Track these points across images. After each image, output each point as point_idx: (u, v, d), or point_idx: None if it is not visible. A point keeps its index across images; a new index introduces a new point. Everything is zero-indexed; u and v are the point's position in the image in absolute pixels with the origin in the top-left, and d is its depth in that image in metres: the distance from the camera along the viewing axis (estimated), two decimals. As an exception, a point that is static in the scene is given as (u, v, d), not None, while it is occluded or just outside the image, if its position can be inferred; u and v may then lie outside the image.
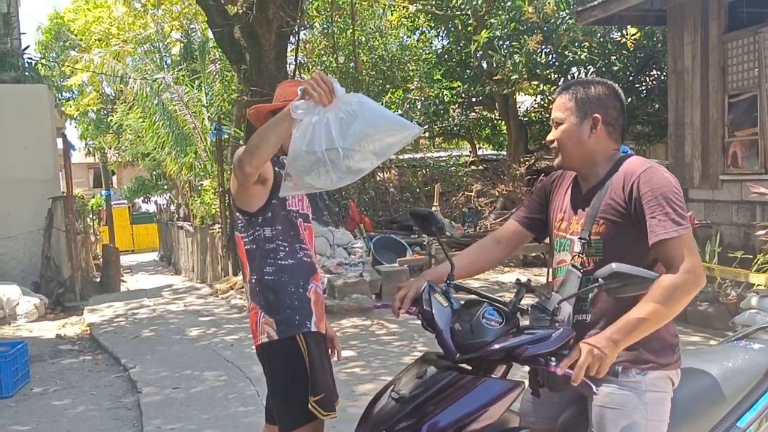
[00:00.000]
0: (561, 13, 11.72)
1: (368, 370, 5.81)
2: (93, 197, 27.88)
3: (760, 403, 2.43)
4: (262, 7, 9.13)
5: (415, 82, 13.22)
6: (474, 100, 16.16)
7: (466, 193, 13.88)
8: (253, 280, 2.88)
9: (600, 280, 1.96)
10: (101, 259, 16.13)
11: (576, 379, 1.94)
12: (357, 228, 10.93)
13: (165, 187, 24.72)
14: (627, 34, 12.20)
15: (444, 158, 15.50)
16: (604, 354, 1.96)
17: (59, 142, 11.91)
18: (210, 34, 13.87)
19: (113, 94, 24.00)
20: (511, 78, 12.28)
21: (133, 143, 22.00)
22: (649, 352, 2.14)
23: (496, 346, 2.01)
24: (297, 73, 12.29)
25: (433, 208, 9.22)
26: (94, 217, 24.83)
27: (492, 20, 12.24)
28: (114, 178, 34.89)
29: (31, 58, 13.65)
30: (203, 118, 15.84)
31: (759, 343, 2.61)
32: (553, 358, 1.95)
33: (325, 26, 13.94)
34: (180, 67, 18.09)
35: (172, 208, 24.57)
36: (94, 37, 22.30)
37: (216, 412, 4.92)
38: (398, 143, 2.32)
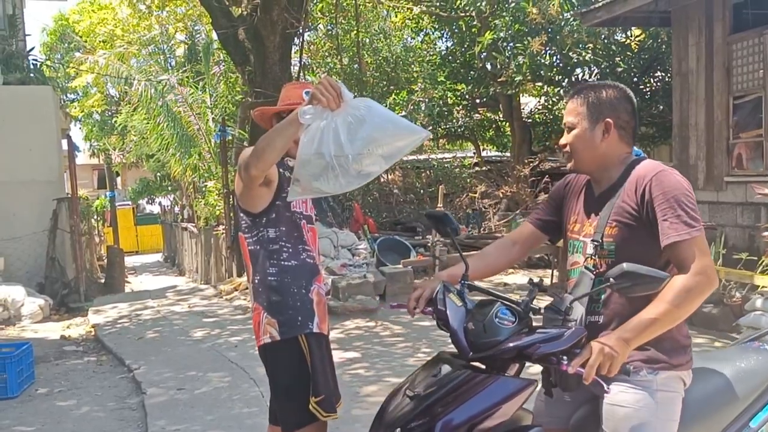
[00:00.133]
0: (565, 15, 11.71)
1: (372, 371, 5.81)
2: (97, 198, 27.97)
3: None
4: (266, 8, 9.14)
5: (419, 84, 13.22)
6: (478, 101, 16.16)
7: (470, 194, 13.87)
8: (256, 281, 2.90)
9: (611, 279, 1.98)
10: (106, 260, 16.16)
11: (587, 377, 1.95)
12: (361, 229, 10.93)
13: (169, 188, 24.75)
14: (631, 36, 12.20)
15: (448, 160, 15.50)
16: (615, 353, 1.98)
17: (64, 143, 11.94)
18: (214, 36, 13.90)
19: (118, 96, 24.03)
20: (515, 79, 12.28)
21: (138, 144, 22.04)
22: (661, 353, 2.16)
23: (509, 345, 2.03)
24: (301, 74, 12.30)
25: (437, 210, 9.20)
26: (99, 219, 24.88)
27: (496, 21, 12.23)
28: (118, 179, 34.92)
29: (36, 60, 13.68)
30: (207, 120, 15.86)
31: None
32: (564, 357, 1.97)
33: (330, 28, 13.96)
34: (184, 68, 18.12)
35: (177, 209, 24.62)
36: (99, 38, 22.34)
37: (220, 413, 4.93)
38: (406, 147, 2.34)
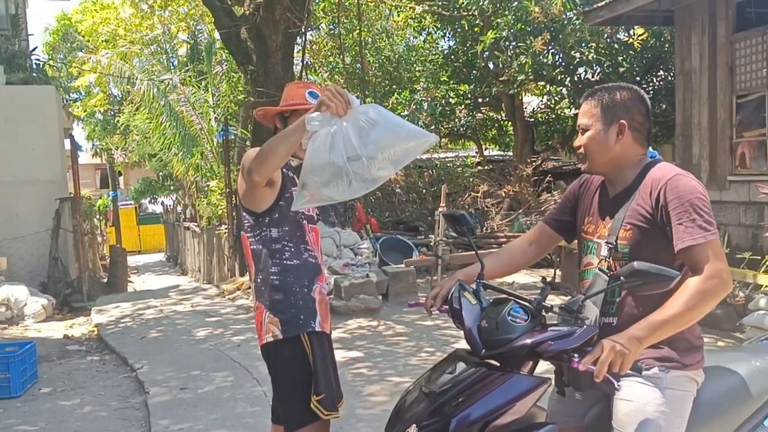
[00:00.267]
0: (568, 14, 11.69)
1: (375, 371, 5.81)
2: (100, 198, 28.01)
3: None
4: (268, 8, 9.14)
5: (422, 83, 13.22)
6: (480, 100, 16.14)
7: (472, 193, 13.86)
8: (259, 280, 2.90)
9: (621, 278, 2.00)
10: (108, 260, 16.18)
11: (598, 374, 1.97)
12: (363, 229, 10.93)
13: (172, 187, 24.79)
14: (634, 35, 12.17)
15: (450, 159, 15.50)
16: (626, 350, 1.99)
17: (67, 143, 11.95)
18: (217, 35, 13.89)
19: (120, 95, 24.07)
20: (518, 78, 12.27)
21: (140, 144, 22.09)
22: (674, 352, 2.18)
23: (520, 342, 2.06)
24: (304, 74, 12.30)
25: (440, 209, 9.20)
26: (101, 218, 24.90)
27: (498, 21, 12.22)
28: (121, 178, 34.95)
29: (38, 60, 13.68)
30: (210, 119, 15.88)
31: None
32: (576, 355, 1.99)
33: (332, 27, 13.95)
34: (187, 68, 18.14)
35: (179, 208, 24.65)
36: (101, 38, 22.37)
37: (223, 412, 4.93)
38: (415, 151, 2.37)
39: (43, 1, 32.36)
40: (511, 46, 12.67)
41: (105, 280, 13.82)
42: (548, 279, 2.29)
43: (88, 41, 23.91)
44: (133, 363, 6.51)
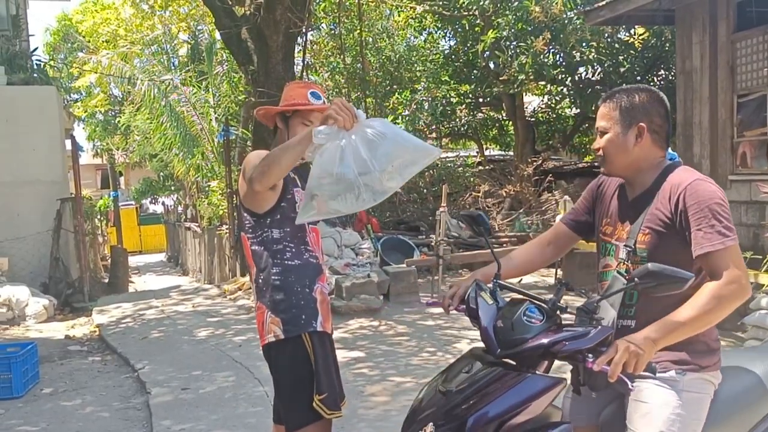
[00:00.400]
0: (568, 13, 11.69)
1: (377, 371, 5.81)
2: (101, 198, 27.99)
3: None
4: (269, 8, 9.14)
5: (423, 83, 13.22)
6: (481, 100, 16.14)
7: (473, 193, 13.86)
8: (260, 281, 2.90)
9: (636, 279, 2.01)
10: (109, 260, 16.18)
11: (612, 375, 1.97)
12: (364, 229, 10.93)
13: (172, 188, 24.81)
14: (635, 34, 12.17)
15: (451, 159, 15.49)
16: (641, 350, 2.00)
17: (68, 143, 11.95)
18: (217, 36, 13.88)
19: (121, 96, 24.09)
20: (518, 78, 12.26)
21: (141, 144, 22.09)
22: (692, 354, 2.19)
23: (536, 343, 2.08)
24: (305, 74, 12.30)
25: (441, 209, 9.19)
26: (102, 218, 24.90)
27: (499, 20, 12.22)
28: (122, 179, 34.94)
29: (39, 60, 13.70)
30: (210, 120, 15.88)
31: None
32: (590, 355, 2.01)
33: (333, 27, 13.95)
34: (187, 68, 18.14)
35: (180, 209, 24.64)
36: (102, 38, 22.38)
37: (225, 412, 4.93)
38: (420, 164, 2.42)
39: (43, 2, 32.37)
40: (511, 46, 12.67)
41: (106, 281, 13.83)
42: (562, 280, 2.32)
43: (89, 42, 23.92)
44: (135, 363, 6.51)
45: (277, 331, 2.84)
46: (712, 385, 2.24)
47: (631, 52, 13.07)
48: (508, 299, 2.29)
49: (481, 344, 2.25)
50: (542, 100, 16.83)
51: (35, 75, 12.04)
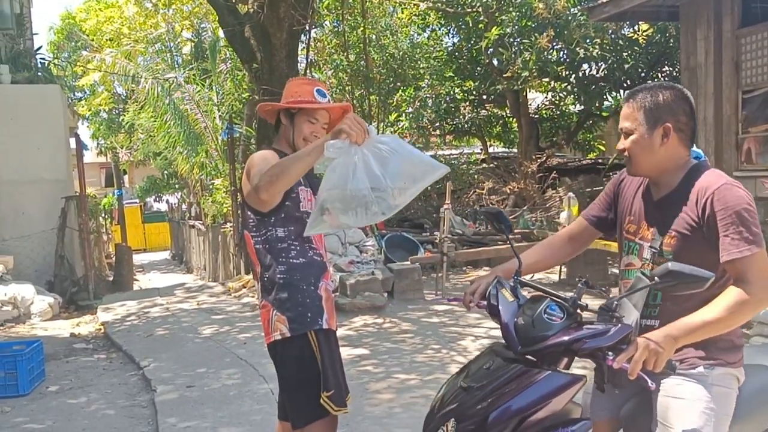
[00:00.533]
0: (572, 10, 11.66)
1: (381, 368, 5.81)
2: (105, 196, 28.05)
3: None
4: (273, 5, 9.14)
5: (426, 80, 13.19)
6: (485, 97, 16.11)
7: (477, 190, 13.85)
8: (265, 279, 2.91)
9: (656, 278, 2.02)
10: (114, 258, 16.21)
11: (632, 372, 1.99)
12: (368, 226, 10.93)
13: (176, 186, 24.82)
14: (639, 30, 12.13)
15: (455, 156, 15.47)
16: (660, 349, 2.01)
17: (72, 141, 11.97)
18: (221, 33, 13.91)
19: (125, 94, 24.12)
20: (522, 75, 12.24)
21: (145, 142, 22.11)
22: (717, 351, 2.20)
23: (556, 340, 2.11)
24: (308, 71, 12.29)
25: (445, 206, 9.19)
26: (107, 217, 24.96)
27: (503, 17, 12.19)
28: (126, 177, 35.05)
29: (43, 59, 13.72)
30: (214, 117, 15.88)
31: None
32: (610, 353, 2.03)
33: (336, 24, 13.94)
34: (191, 66, 18.16)
35: (184, 207, 24.67)
36: (106, 36, 22.41)
37: (230, 410, 4.94)
38: (428, 180, 2.45)
39: (47, 0, 32.44)
40: (515, 43, 12.64)
41: (111, 279, 13.85)
42: (582, 278, 2.31)
43: (93, 40, 23.95)
44: (140, 361, 6.52)
45: (283, 329, 2.85)
46: (738, 381, 2.25)
47: (635, 48, 13.03)
48: (528, 297, 2.31)
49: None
50: (546, 97, 16.80)
51: (39, 73, 12.06)
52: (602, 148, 19.10)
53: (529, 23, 12.08)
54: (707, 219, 2.15)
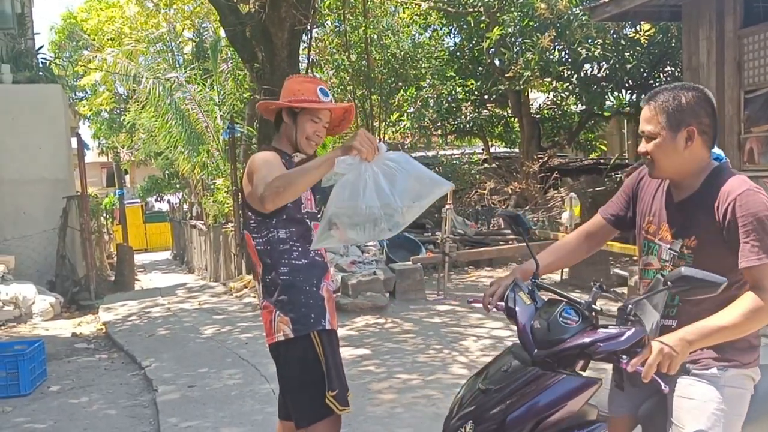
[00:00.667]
0: (574, 10, 11.65)
1: (383, 368, 5.81)
2: (106, 196, 28.06)
3: None
4: (274, 5, 9.13)
5: (428, 80, 13.17)
6: (486, 97, 16.09)
7: (479, 190, 13.84)
8: (267, 280, 2.91)
9: (669, 282, 2.04)
10: (115, 258, 16.22)
11: (646, 375, 2.01)
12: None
13: (178, 185, 24.81)
14: (641, 30, 12.12)
15: (457, 156, 15.46)
16: (675, 353, 2.03)
17: (73, 141, 11.97)
18: (222, 33, 13.89)
19: (126, 94, 24.10)
20: (524, 75, 12.23)
21: (146, 142, 22.10)
22: (733, 351, 2.20)
23: (570, 344, 2.15)
24: (310, 71, 12.28)
25: (447, 206, 9.17)
26: (108, 216, 24.97)
27: (504, 17, 12.18)
28: (127, 177, 35.07)
29: (45, 58, 13.70)
30: (216, 117, 15.87)
31: None
32: (624, 356, 2.06)
33: (337, 24, 13.93)
34: (192, 66, 18.14)
35: (185, 206, 24.68)
36: (107, 36, 22.40)
37: (232, 409, 4.94)
38: (433, 197, 2.51)
39: (48, 0, 32.45)
40: (517, 43, 12.63)
41: (112, 279, 13.86)
42: (597, 282, 2.33)
43: (94, 40, 23.95)
44: (141, 361, 6.52)
45: (286, 330, 2.85)
46: (753, 381, 2.26)
47: (637, 48, 13.01)
48: (545, 299, 2.34)
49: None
50: (548, 97, 16.78)
51: (41, 73, 12.05)
52: (604, 148, 19.09)
53: (531, 23, 12.07)
54: (728, 224, 2.15)
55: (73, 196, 11.28)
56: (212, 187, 16.52)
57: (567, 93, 15.40)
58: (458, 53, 15.45)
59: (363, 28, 12.77)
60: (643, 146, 2.29)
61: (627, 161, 15.87)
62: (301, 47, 11.33)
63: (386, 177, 2.36)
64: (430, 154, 15.02)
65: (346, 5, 12.84)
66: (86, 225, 11.10)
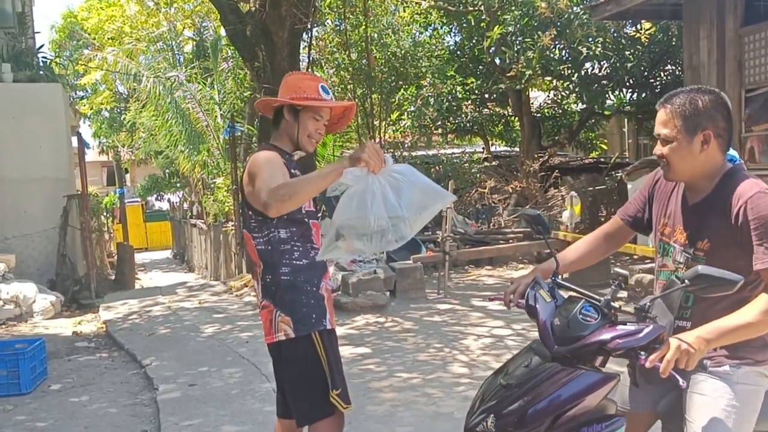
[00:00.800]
0: (574, 8, 11.64)
1: (383, 367, 5.81)
2: (107, 195, 28.08)
3: None
4: (274, 4, 9.13)
5: (428, 79, 13.17)
6: (487, 96, 16.09)
7: (479, 189, 13.83)
8: (268, 280, 2.90)
9: (686, 281, 2.07)
10: (116, 257, 16.22)
11: (663, 371, 2.04)
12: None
13: (178, 184, 24.83)
14: (641, 29, 12.11)
15: (457, 155, 15.45)
16: (692, 349, 2.05)
17: (74, 140, 11.96)
18: (222, 32, 13.90)
19: (126, 93, 24.12)
20: (525, 74, 12.22)
21: (147, 141, 22.12)
22: (747, 349, 2.23)
23: (590, 340, 2.20)
24: (310, 70, 12.28)
25: (447, 206, 9.17)
26: (108, 215, 24.98)
27: (505, 16, 12.17)
28: (127, 176, 35.07)
29: (45, 57, 13.71)
30: (216, 116, 15.88)
31: None
32: (643, 352, 2.11)
33: (338, 23, 13.93)
34: (193, 65, 18.14)
35: (186, 205, 24.69)
36: (107, 35, 22.38)
37: (232, 408, 4.94)
38: (437, 208, 2.61)
39: (49, -1, 32.44)
40: (517, 42, 12.62)
41: (112, 277, 13.86)
42: (616, 280, 2.40)
43: (94, 39, 23.94)
44: (142, 359, 6.52)
45: (287, 329, 2.85)
46: (766, 379, 2.28)
47: (638, 47, 13.01)
48: (565, 297, 2.39)
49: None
50: (548, 96, 16.77)
51: (41, 72, 12.05)
52: (604, 147, 19.09)
53: (532, 22, 12.06)
54: (741, 226, 2.17)
55: (73, 195, 11.27)
56: (212, 185, 16.53)
57: (567, 92, 15.39)
58: (459, 52, 15.44)
59: (363, 26, 12.77)
60: (659, 149, 2.31)
61: (627, 160, 15.86)
62: (302, 46, 11.33)
63: (393, 189, 2.41)
64: (431, 152, 15.02)
65: (346, 4, 12.85)
66: (87, 224, 11.10)
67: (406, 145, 13.76)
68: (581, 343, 2.19)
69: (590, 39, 11.91)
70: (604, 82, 14.05)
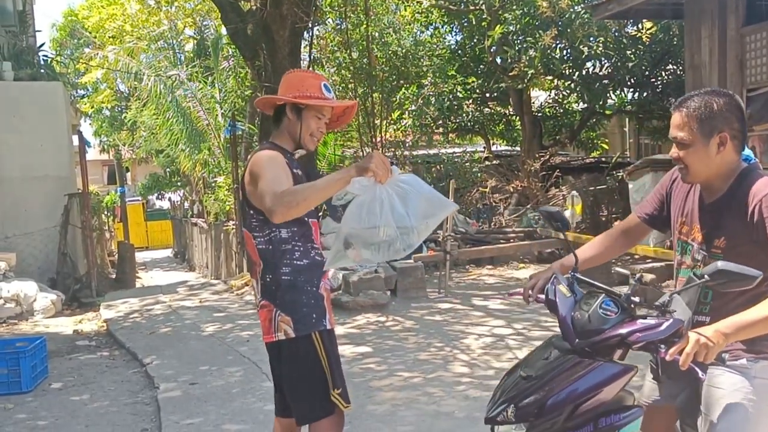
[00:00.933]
0: (576, 8, 11.64)
1: (384, 366, 5.81)
2: (108, 194, 28.09)
3: None
4: (275, 3, 9.12)
5: (429, 78, 13.16)
6: (488, 95, 16.08)
7: (480, 189, 13.82)
8: (268, 279, 2.90)
9: (706, 276, 2.09)
10: (116, 256, 16.23)
11: (683, 364, 2.06)
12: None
13: (179, 183, 24.84)
14: (643, 29, 12.10)
15: (458, 154, 15.43)
16: (711, 343, 2.07)
17: (74, 139, 11.96)
18: (223, 31, 13.88)
19: (127, 91, 24.11)
20: (527, 73, 12.21)
21: (147, 140, 22.11)
22: (765, 342, 2.26)
23: (610, 333, 2.23)
24: (311, 68, 12.27)
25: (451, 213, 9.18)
26: (109, 214, 24.99)
27: (506, 15, 12.17)
28: (128, 174, 35.05)
29: (46, 56, 13.70)
30: (217, 115, 15.88)
31: None
32: (662, 346, 2.14)
33: (339, 22, 13.92)
34: (193, 63, 18.13)
35: (186, 204, 24.69)
36: (108, 34, 22.35)
37: (233, 407, 4.94)
38: (441, 217, 2.64)
39: (50, -2, 32.46)
40: (519, 41, 12.61)
41: (113, 276, 13.87)
42: (635, 275, 2.39)
43: (95, 37, 23.93)
44: (143, 358, 6.52)
45: (287, 329, 2.85)
46: None
47: (639, 46, 13.00)
48: (584, 292, 2.41)
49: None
50: (549, 95, 16.76)
51: (42, 71, 12.04)
52: (605, 146, 19.08)
53: (533, 21, 12.06)
54: (756, 224, 2.20)
55: (74, 193, 11.27)
56: (213, 184, 16.53)
57: (569, 91, 15.39)
58: (460, 51, 15.44)
59: (364, 25, 12.76)
60: (675, 152, 2.35)
61: (628, 159, 15.85)
62: (303, 45, 11.33)
63: (400, 198, 2.46)
64: (432, 152, 15.01)
65: (347, 3, 12.84)
66: (87, 222, 11.10)
67: (407, 144, 13.75)
68: (602, 337, 2.23)
69: (591, 38, 11.92)
70: (606, 81, 14.04)
